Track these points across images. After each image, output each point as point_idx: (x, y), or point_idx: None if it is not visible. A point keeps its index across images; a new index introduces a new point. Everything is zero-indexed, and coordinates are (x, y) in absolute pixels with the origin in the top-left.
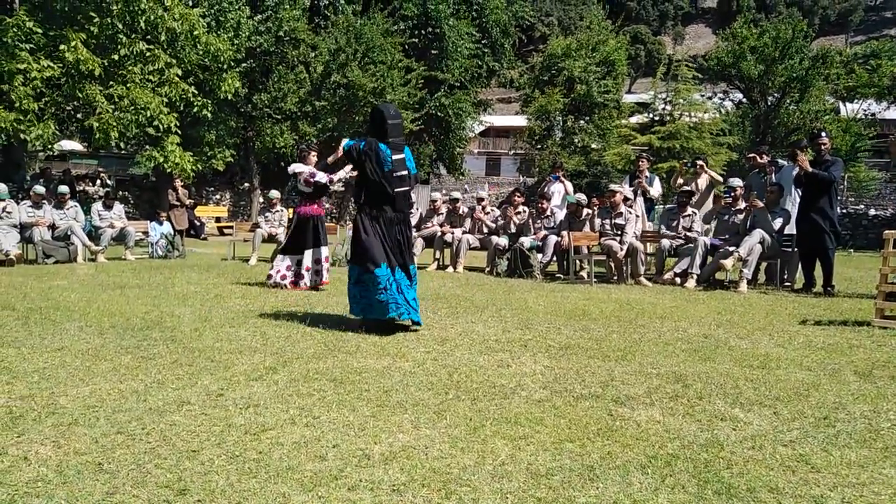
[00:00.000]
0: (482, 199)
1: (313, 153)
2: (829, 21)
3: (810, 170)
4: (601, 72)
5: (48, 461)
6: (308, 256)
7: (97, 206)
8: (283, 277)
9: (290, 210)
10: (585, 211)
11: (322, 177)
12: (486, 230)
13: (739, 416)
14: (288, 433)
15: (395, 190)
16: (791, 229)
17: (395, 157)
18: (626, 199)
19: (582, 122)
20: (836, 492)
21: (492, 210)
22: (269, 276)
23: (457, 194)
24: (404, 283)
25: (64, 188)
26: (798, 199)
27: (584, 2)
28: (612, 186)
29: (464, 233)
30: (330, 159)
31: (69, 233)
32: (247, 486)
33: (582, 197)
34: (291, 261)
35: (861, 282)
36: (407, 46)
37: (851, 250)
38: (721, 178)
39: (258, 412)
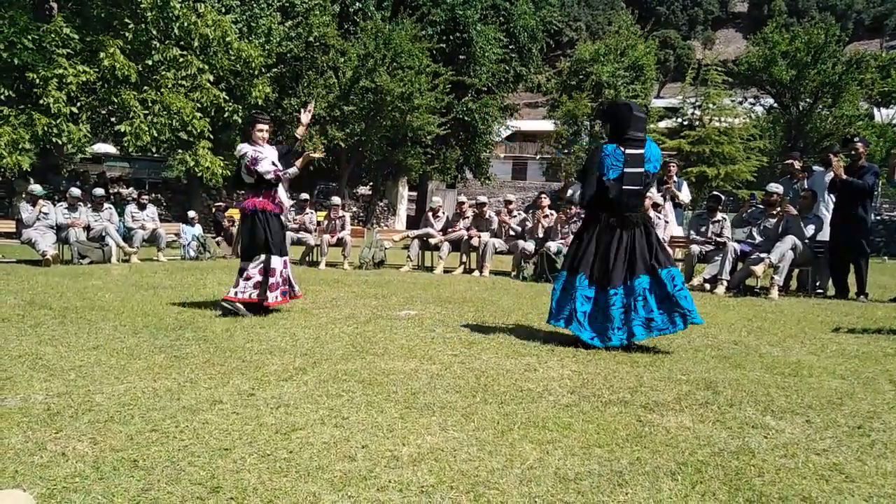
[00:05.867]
0: (510, 202)
1: (261, 126)
2: (863, 25)
3: (844, 176)
4: (629, 76)
5: (85, 457)
6: (255, 265)
7: (131, 207)
8: (256, 286)
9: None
10: None
11: (266, 167)
12: (512, 233)
13: (771, 424)
14: (318, 433)
15: (623, 188)
16: (823, 236)
17: (628, 151)
18: (655, 205)
19: None
20: (871, 502)
21: (518, 213)
22: (234, 294)
23: (483, 198)
24: (606, 300)
25: (99, 190)
26: (831, 205)
27: (612, 6)
28: None
29: (491, 236)
30: (299, 163)
31: (104, 234)
32: (278, 485)
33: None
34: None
35: None
36: (435, 51)
37: (886, 257)
38: None
39: (288, 412)
